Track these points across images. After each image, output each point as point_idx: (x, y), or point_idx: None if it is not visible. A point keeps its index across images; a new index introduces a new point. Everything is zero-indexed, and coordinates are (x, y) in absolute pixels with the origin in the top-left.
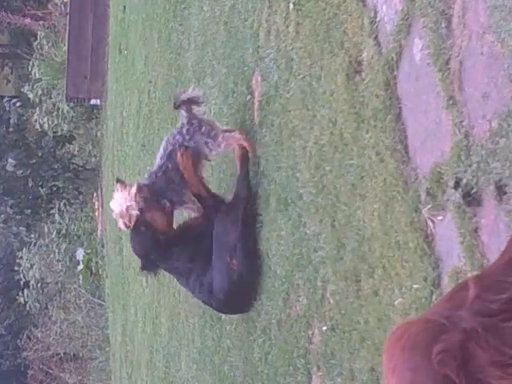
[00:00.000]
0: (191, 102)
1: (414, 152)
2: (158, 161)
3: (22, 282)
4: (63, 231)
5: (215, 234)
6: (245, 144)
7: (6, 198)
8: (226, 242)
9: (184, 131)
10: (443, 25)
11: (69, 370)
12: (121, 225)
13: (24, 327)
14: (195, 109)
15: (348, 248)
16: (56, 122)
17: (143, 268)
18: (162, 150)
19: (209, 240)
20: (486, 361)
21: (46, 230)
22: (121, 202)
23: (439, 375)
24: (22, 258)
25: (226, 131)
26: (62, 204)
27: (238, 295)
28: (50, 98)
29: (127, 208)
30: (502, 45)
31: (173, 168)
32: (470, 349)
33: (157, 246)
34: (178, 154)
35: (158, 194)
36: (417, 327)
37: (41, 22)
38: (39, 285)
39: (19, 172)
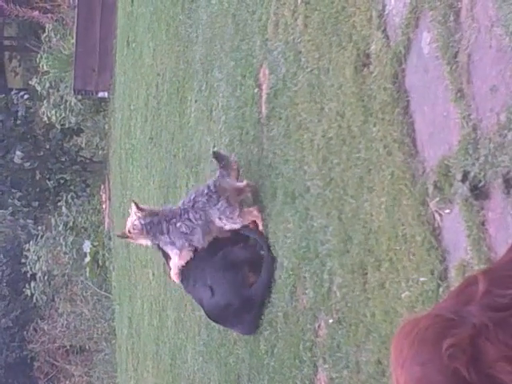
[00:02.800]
0: (223, 161)
1: (422, 145)
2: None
3: (28, 275)
4: (70, 224)
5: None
6: (259, 222)
7: (13, 191)
8: (243, 252)
9: (200, 203)
10: (452, 18)
11: (75, 362)
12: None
13: (30, 319)
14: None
15: (355, 241)
16: (64, 115)
17: None
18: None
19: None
20: (496, 356)
21: (53, 222)
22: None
23: (449, 370)
24: (29, 250)
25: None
26: (69, 197)
27: (238, 309)
28: (58, 90)
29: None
30: (510, 38)
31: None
32: (479, 344)
33: None
34: None
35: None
36: (426, 322)
37: (49, 15)
38: (46, 277)
39: (27, 164)
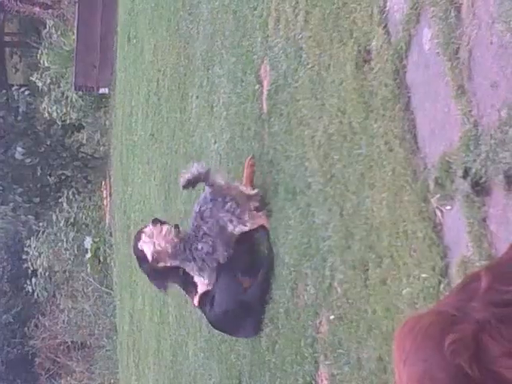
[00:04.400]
0: (200, 180)
1: (423, 141)
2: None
3: (29, 271)
4: (71, 220)
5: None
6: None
7: (14, 187)
8: (241, 259)
9: (207, 211)
10: (453, 14)
11: (76, 358)
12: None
13: (32, 315)
14: (217, 181)
15: (356, 237)
16: (65, 111)
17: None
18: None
19: None
20: (498, 352)
21: (54, 218)
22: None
23: (452, 366)
24: (30, 246)
25: (252, 209)
26: (70, 193)
27: (238, 315)
28: (59, 86)
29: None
30: (511, 34)
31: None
32: (482, 340)
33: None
34: None
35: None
36: (428, 319)
37: (50, 11)
38: (47, 273)
39: (28, 160)
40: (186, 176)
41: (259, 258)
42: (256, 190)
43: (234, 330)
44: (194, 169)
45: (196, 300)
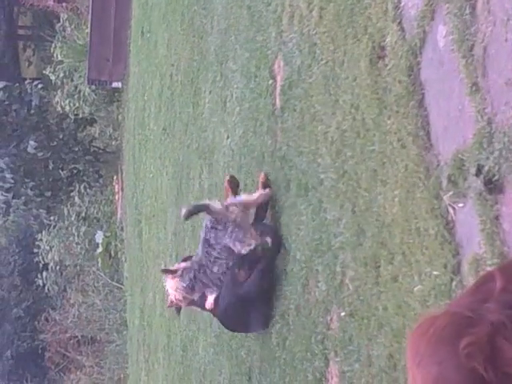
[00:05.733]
0: (201, 210)
1: (437, 138)
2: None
3: (41, 265)
4: (83, 214)
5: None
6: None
7: (26, 180)
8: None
9: (212, 238)
10: (467, 11)
11: (86, 352)
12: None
13: (42, 309)
14: (214, 209)
15: (368, 234)
16: (77, 105)
17: None
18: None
19: None
20: None
21: (65, 212)
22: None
23: (466, 369)
24: (41, 240)
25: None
26: (82, 187)
27: (239, 309)
28: (72, 80)
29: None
30: None
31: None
32: (497, 342)
33: None
34: None
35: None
36: (443, 320)
37: (64, 5)
38: (58, 267)
39: (40, 154)
40: (186, 208)
41: (260, 252)
42: (257, 193)
43: (239, 326)
44: (193, 203)
45: (210, 303)
